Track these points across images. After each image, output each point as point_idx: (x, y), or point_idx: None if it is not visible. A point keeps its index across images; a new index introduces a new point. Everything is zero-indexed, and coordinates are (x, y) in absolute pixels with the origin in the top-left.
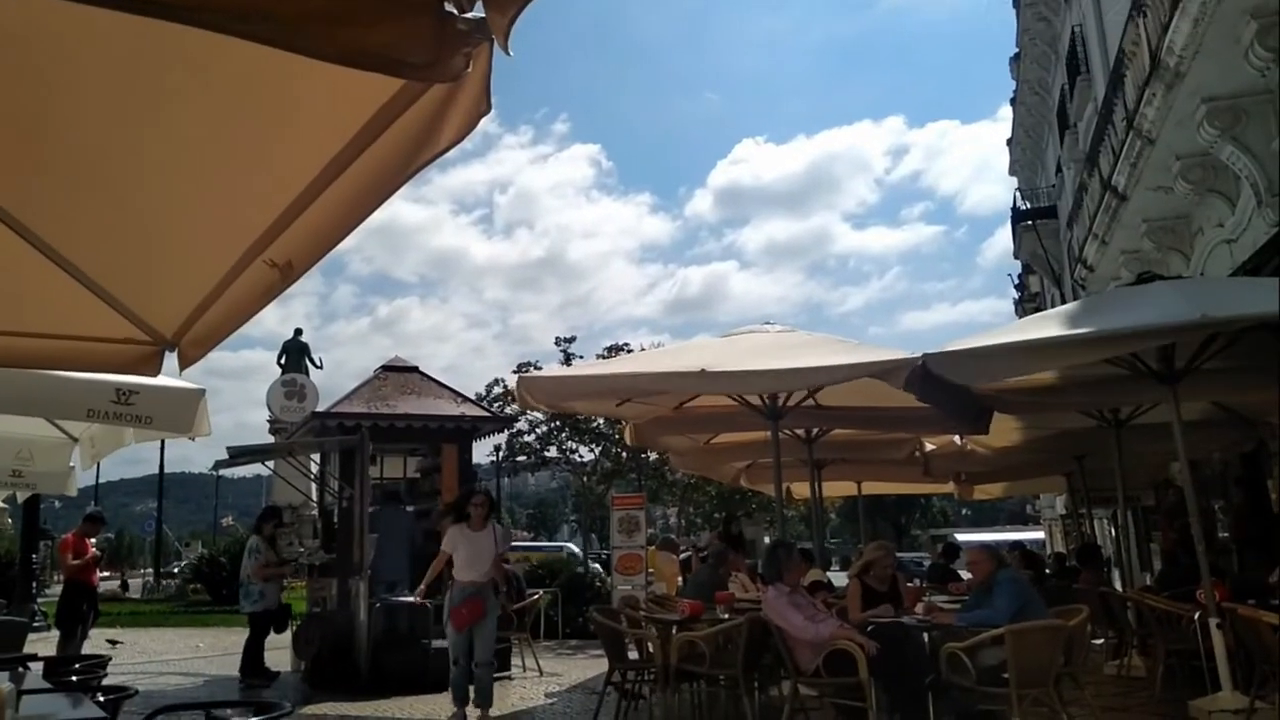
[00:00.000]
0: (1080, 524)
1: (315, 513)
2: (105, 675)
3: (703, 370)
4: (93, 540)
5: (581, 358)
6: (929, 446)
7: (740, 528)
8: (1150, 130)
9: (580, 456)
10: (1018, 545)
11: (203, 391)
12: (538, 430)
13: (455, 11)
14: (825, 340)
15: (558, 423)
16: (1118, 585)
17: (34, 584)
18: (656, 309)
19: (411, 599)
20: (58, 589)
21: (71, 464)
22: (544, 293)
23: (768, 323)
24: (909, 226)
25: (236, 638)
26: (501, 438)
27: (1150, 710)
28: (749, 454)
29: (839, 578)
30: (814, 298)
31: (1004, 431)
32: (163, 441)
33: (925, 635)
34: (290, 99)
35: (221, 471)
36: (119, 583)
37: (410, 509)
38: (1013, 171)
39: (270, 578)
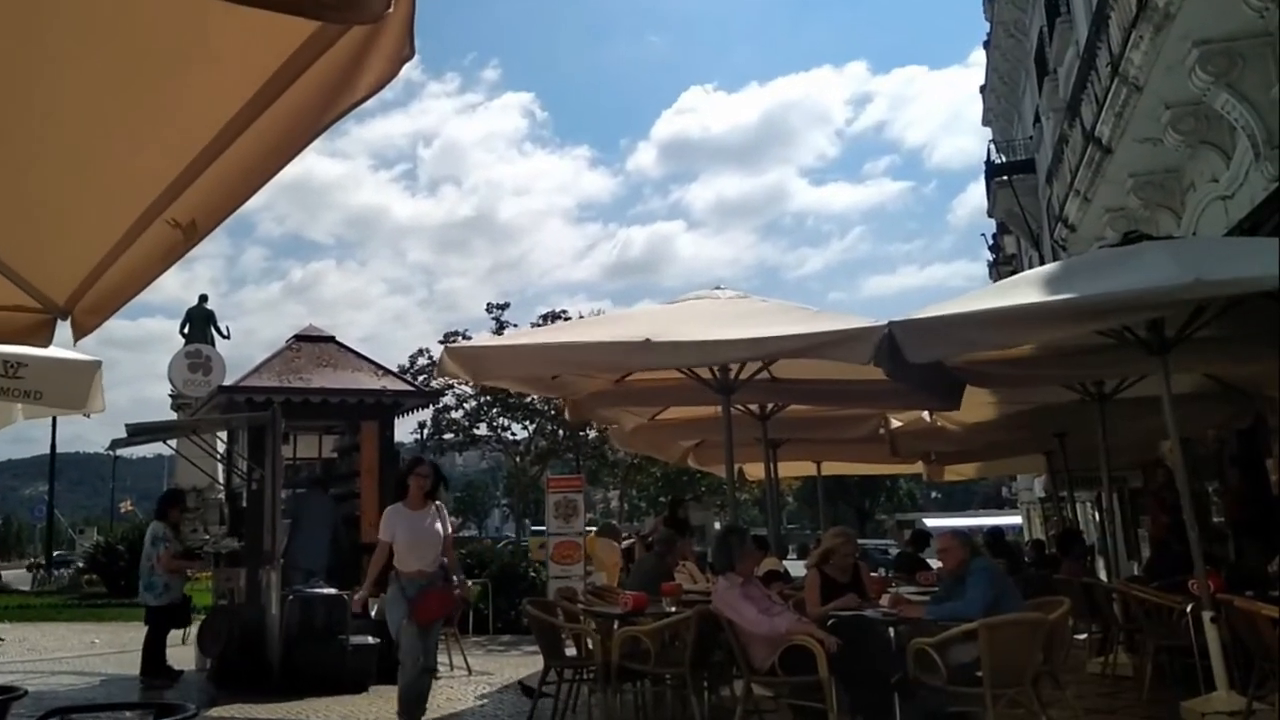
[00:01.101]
0: (1061, 508)
1: (222, 496)
2: None
3: (647, 340)
4: None
5: (515, 326)
6: (895, 423)
7: (687, 512)
8: (1137, 76)
9: (512, 434)
10: (993, 531)
11: (98, 364)
12: (466, 406)
13: None
14: (781, 307)
15: (488, 398)
16: (1102, 575)
17: None
18: (596, 273)
19: (329, 590)
20: None
21: None
22: (472, 255)
23: (718, 287)
24: (872, 182)
25: (135, 633)
26: (427, 414)
27: (1138, 712)
28: (698, 431)
29: (796, 567)
30: (769, 260)
31: (977, 406)
32: (54, 418)
33: (891, 630)
34: (195, 44)
35: (119, 451)
36: None
37: (330, 493)
38: (986, 122)
39: (178, 570)
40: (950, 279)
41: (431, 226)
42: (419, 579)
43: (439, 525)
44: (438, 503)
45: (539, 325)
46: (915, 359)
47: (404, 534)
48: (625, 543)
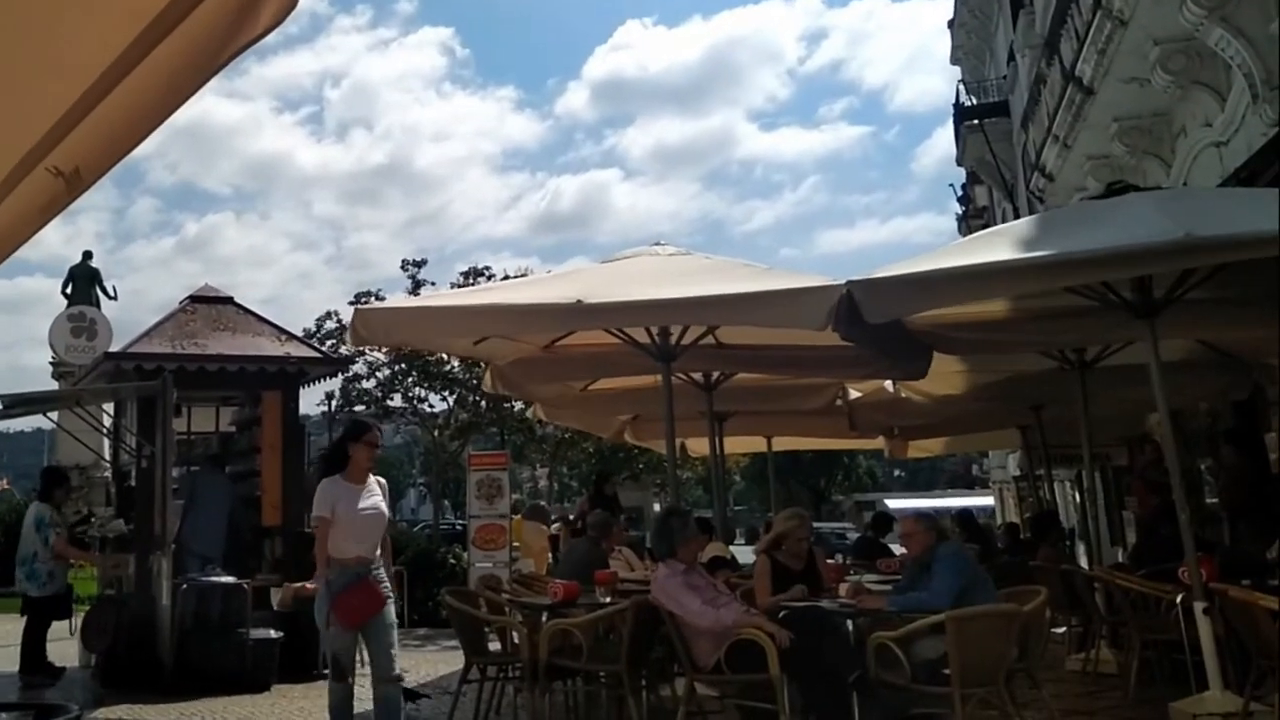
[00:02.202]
0: (1037, 488)
1: (108, 475)
2: None
3: (579, 301)
4: None
5: (433, 285)
6: (854, 394)
7: (615, 489)
8: (1122, 9)
9: (430, 406)
10: (962, 513)
11: None
12: (379, 374)
13: None
14: (728, 264)
15: (403, 366)
16: (1083, 562)
17: None
18: (523, 226)
19: (227, 579)
20: None
21: None
22: (386, 208)
23: (658, 243)
24: (828, 127)
25: (12, 626)
26: (335, 383)
27: (1123, 713)
28: (635, 403)
29: (744, 553)
30: (714, 213)
31: (945, 376)
32: None
33: (849, 623)
34: None
35: None
36: None
37: (227, 471)
38: (955, 60)
39: (72, 558)
40: (915, 234)
41: (340, 175)
42: (357, 567)
43: (383, 504)
44: (380, 479)
45: (460, 285)
46: (875, 319)
47: (344, 513)
48: (554, 527)
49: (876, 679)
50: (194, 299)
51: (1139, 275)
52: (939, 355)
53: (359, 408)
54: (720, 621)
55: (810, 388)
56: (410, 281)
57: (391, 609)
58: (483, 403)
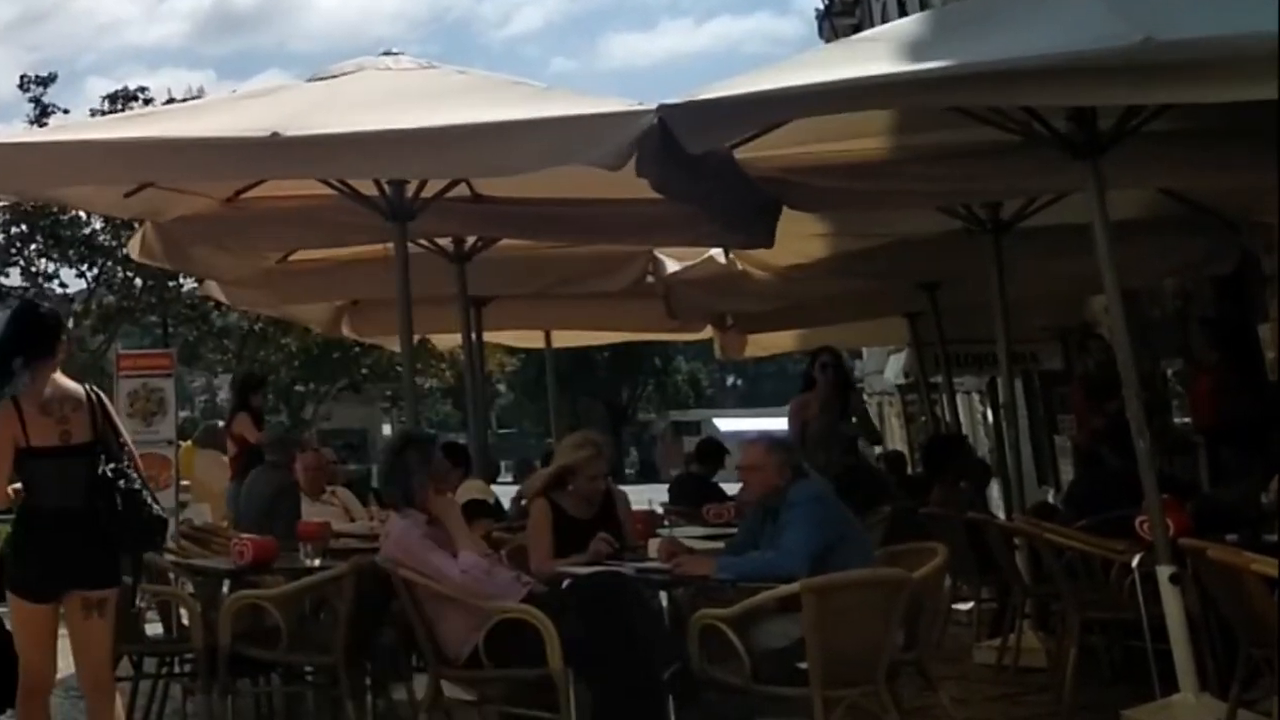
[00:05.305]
0: (932, 401)
1: None
2: None
3: (274, 134)
4: None
5: (65, 112)
6: (670, 267)
7: (265, 396)
8: None
9: (62, 285)
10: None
11: None
12: None
13: None
14: (490, 82)
15: (22, 227)
16: (997, 508)
17: None
18: (187, 29)
19: None
20: None
21: None
22: None
23: (389, 52)
24: None
25: None
26: None
27: None
28: (356, 281)
29: (513, 494)
30: (454, 10)
31: (801, 241)
32: None
33: (663, 596)
34: None
35: None
36: None
37: None
38: None
39: None
40: (745, 41)
41: None
42: None
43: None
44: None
45: (105, 113)
46: (698, 148)
47: None
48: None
49: (702, 675)
50: None
51: (1077, 103)
52: (791, 213)
53: None
54: (479, 590)
55: (607, 259)
56: (33, 105)
57: None
58: (137, 280)
